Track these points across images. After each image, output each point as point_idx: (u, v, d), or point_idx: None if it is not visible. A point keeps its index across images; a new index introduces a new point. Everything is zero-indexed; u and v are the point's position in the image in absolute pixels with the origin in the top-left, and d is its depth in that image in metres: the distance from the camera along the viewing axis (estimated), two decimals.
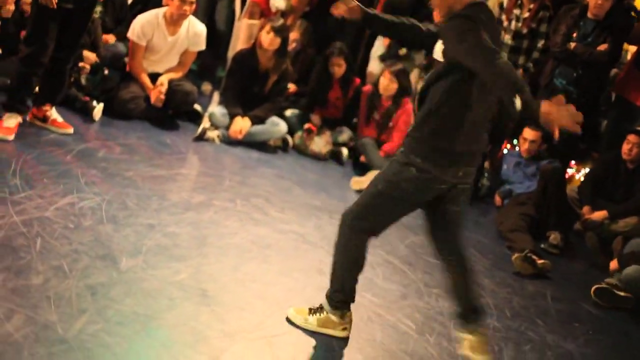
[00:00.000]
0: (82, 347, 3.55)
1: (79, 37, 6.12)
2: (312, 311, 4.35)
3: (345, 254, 4.22)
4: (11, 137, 5.83)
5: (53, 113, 6.34)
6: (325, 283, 4.38)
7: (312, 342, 4.22)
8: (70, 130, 6.39)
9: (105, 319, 3.82)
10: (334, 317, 4.30)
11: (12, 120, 5.93)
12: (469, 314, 4.25)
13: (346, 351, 4.26)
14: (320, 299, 4.35)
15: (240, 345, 3.94)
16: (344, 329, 4.33)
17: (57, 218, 4.80)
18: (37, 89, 6.23)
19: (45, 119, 6.29)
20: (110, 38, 7.83)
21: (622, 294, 6.03)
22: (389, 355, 4.31)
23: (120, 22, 8.02)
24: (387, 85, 7.92)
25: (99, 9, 7.47)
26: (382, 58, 8.58)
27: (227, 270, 4.77)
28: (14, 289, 3.87)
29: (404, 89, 7.98)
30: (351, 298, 4.33)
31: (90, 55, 7.28)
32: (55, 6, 5.55)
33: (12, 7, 6.82)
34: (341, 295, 4.28)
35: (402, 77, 7.96)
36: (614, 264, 6.48)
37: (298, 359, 4.04)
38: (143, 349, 3.69)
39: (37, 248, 4.34)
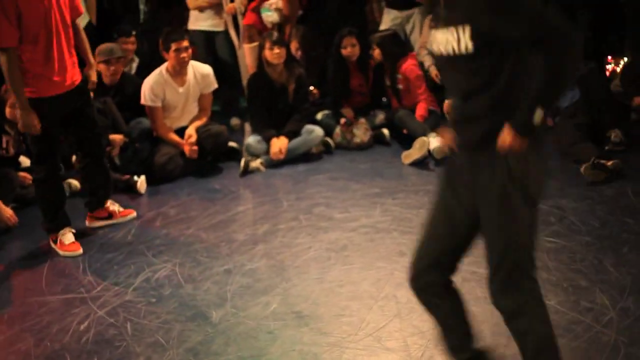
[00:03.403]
0: None
1: (93, 128, 5.94)
2: None
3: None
4: (80, 250, 5.75)
5: (114, 207, 6.34)
6: (407, 262, 4.33)
7: (420, 326, 4.13)
8: (134, 213, 6.41)
9: None
10: None
11: (68, 236, 5.84)
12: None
13: None
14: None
15: (350, 351, 3.93)
16: None
17: (138, 297, 4.84)
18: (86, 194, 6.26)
19: (111, 215, 6.28)
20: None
21: None
22: (493, 307, 4.24)
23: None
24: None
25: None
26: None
27: (313, 284, 4.77)
28: None
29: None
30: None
31: (116, 137, 7.32)
32: (39, 132, 5.44)
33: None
34: None
35: (387, 42, 8.01)
36: None
37: (409, 344, 4.00)
38: None
39: (129, 332, 4.38)
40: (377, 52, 8.06)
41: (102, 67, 7.32)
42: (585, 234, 5.12)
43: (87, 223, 6.24)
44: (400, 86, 8.03)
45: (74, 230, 5.93)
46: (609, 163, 6.20)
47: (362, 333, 4.09)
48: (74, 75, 5.63)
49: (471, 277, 4.60)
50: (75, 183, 7.01)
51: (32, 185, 6.11)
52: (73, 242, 5.79)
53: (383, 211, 5.95)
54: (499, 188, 2.96)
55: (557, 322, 3.94)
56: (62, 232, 5.82)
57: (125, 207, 6.44)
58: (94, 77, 6.01)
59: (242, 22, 8.69)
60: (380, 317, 4.25)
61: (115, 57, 7.49)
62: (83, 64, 5.88)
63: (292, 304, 4.53)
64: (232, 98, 9.31)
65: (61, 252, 5.74)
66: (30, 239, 6.04)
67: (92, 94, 6.03)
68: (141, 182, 7.04)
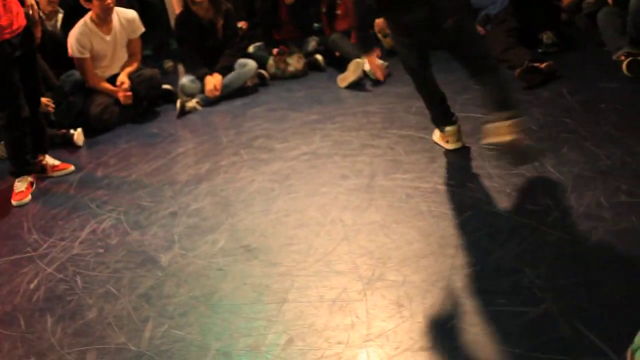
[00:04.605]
0: (158, 351, 3.56)
1: (37, 80, 6.00)
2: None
3: None
4: (27, 198, 5.82)
5: (49, 160, 6.30)
6: (351, 184, 4.35)
7: (368, 246, 4.14)
8: (71, 168, 6.36)
9: (169, 317, 3.82)
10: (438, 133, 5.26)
11: (22, 184, 5.90)
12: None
13: (399, 228, 4.22)
14: (355, 201, 4.35)
15: (301, 279, 3.92)
16: (447, 141, 5.19)
17: (86, 250, 4.80)
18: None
19: (44, 169, 6.26)
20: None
21: None
22: (440, 219, 4.28)
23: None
24: None
25: None
26: None
27: (259, 217, 4.76)
28: (75, 332, 3.88)
29: None
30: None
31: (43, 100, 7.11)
32: None
33: None
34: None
35: None
36: None
37: (358, 265, 4.01)
38: (214, 326, 3.69)
39: (80, 286, 4.35)
40: None
41: None
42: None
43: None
44: (339, 12, 7.97)
45: (32, 179, 6.01)
46: (543, 65, 6.23)
47: (311, 259, 4.09)
48: (19, 21, 5.59)
49: (414, 192, 4.63)
50: None
51: None
52: (22, 191, 5.83)
53: (323, 137, 5.94)
54: None
55: (504, 227, 4.01)
56: (20, 179, 5.90)
57: (63, 161, 6.37)
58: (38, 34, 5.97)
59: None
60: (328, 242, 4.25)
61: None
62: None
63: (240, 238, 4.52)
64: (162, 40, 9.20)
65: (13, 202, 5.81)
66: None
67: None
68: (78, 134, 6.96)
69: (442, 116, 5.15)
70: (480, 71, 4.62)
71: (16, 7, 5.58)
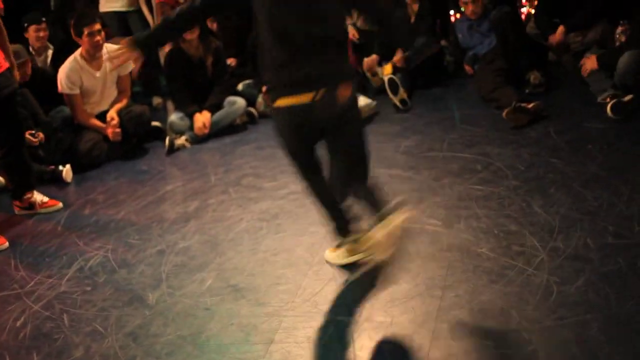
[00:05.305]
0: None
1: (15, 123, 5.85)
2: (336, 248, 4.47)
3: None
4: (6, 244, 5.71)
5: (37, 196, 6.27)
6: None
7: (355, 287, 4.17)
8: (60, 205, 6.32)
9: (156, 357, 3.82)
10: (349, 245, 4.38)
11: None
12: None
13: (387, 269, 4.20)
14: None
15: (288, 319, 3.92)
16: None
17: (73, 288, 4.79)
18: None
19: (32, 206, 6.23)
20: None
21: (626, 98, 6.01)
22: (427, 259, 4.29)
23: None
24: None
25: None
26: None
27: (248, 256, 4.76)
28: None
29: None
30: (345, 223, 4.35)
31: (31, 138, 7.09)
32: None
33: None
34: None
35: None
36: (590, 63, 6.45)
37: (346, 301, 4.01)
38: None
39: (67, 324, 4.33)
40: None
41: None
42: (512, 178, 5.19)
43: (15, 211, 6.27)
44: None
45: None
46: (530, 105, 6.28)
47: (299, 300, 4.10)
48: None
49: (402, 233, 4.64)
50: (1, 179, 6.90)
51: None
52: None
53: None
54: None
55: (490, 269, 4.03)
56: None
57: (51, 198, 6.36)
58: (17, 77, 5.90)
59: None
60: (316, 282, 4.26)
61: (22, 61, 7.13)
62: None
63: (228, 277, 4.52)
64: (152, 77, 9.22)
65: None
66: None
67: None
68: (66, 171, 6.95)
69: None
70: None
71: None
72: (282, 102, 3.74)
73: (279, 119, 3.93)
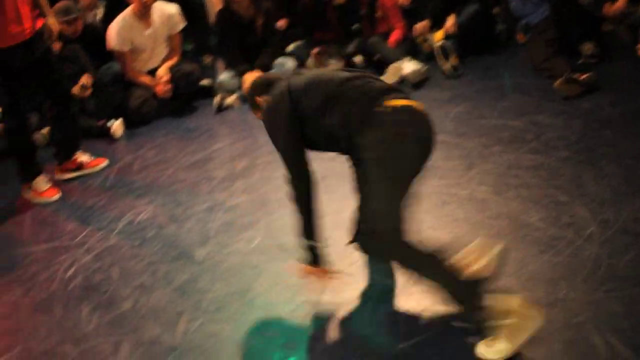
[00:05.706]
0: (192, 346, 3.61)
1: (57, 81, 5.82)
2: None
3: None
4: (56, 195, 5.83)
5: (83, 157, 6.31)
6: None
7: None
8: (105, 162, 6.40)
9: (203, 312, 3.87)
10: (502, 326, 3.16)
11: (42, 184, 5.88)
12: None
13: (435, 235, 4.16)
14: None
15: (334, 281, 3.92)
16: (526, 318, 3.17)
17: (122, 241, 4.86)
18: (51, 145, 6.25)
19: (79, 167, 6.27)
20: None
21: None
22: (475, 226, 4.29)
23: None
24: None
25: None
26: None
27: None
28: (110, 321, 3.94)
29: None
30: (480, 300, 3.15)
31: (84, 79, 7.16)
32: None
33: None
34: (474, 310, 3.18)
35: None
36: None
37: (391, 265, 4.02)
38: (248, 323, 3.73)
39: (116, 276, 4.40)
40: None
41: (62, 27, 6.95)
42: (563, 149, 5.13)
43: (55, 176, 6.22)
44: (379, 14, 7.96)
45: (47, 178, 5.95)
46: (583, 76, 6.18)
47: (346, 262, 4.10)
48: (31, 25, 5.45)
49: (451, 199, 4.64)
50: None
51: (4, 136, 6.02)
52: (48, 189, 5.82)
53: None
54: None
55: (539, 239, 4.01)
56: (35, 180, 5.83)
57: (100, 154, 6.46)
58: (54, 30, 5.75)
59: None
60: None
61: (72, 17, 7.17)
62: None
63: (275, 237, 4.55)
64: (202, 36, 9.22)
65: (37, 200, 5.78)
66: (8, 191, 6.03)
67: (57, 44, 5.88)
68: (116, 126, 7.01)
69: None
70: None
71: (25, 10, 5.41)
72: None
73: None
